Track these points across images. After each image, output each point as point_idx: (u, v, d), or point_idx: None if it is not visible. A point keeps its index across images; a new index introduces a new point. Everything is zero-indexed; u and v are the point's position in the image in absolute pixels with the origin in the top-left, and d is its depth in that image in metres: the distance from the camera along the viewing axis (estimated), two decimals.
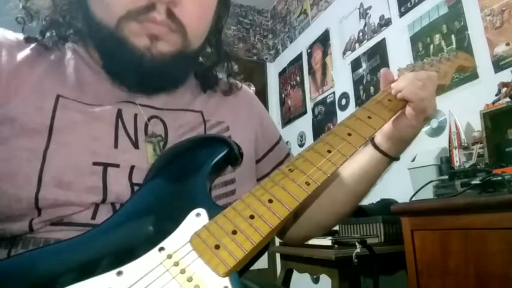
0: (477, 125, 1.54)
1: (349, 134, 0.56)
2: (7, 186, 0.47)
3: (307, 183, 0.49)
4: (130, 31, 0.53)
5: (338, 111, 2.74)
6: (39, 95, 0.53)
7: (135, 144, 0.55)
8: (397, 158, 0.66)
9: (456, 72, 0.75)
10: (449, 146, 1.61)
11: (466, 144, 1.55)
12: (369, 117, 0.59)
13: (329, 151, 0.53)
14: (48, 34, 0.58)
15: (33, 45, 0.57)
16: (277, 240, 1.94)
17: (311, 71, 3.13)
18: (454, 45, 1.84)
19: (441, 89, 0.68)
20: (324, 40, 2.97)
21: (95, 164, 0.51)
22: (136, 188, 0.52)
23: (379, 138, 0.65)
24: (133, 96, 0.59)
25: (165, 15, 0.53)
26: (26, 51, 0.56)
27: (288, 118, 3.42)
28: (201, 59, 0.71)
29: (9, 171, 0.48)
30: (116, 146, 0.53)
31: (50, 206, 0.48)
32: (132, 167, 0.53)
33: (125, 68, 0.55)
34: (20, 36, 0.58)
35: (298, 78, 3.32)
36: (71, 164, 0.50)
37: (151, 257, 0.42)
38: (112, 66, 0.57)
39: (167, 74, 0.58)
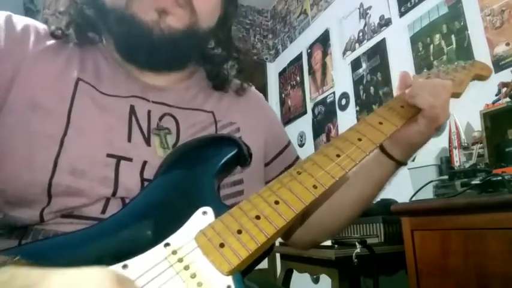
0: (477, 125, 1.54)
1: (360, 139, 0.55)
2: (24, 170, 0.48)
3: (315, 187, 0.49)
4: (138, 7, 0.54)
5: (338, 111, 2.74)
6: (61, 81, 0.54)
7: (147, 141, 0.56)
8: (404, 163, 0.65)
9: (472, 81, 0.74)
10: (449, 146, 1.62)
11: (466, 144, 1.55)
12: (380, 123, 0.58)
13: (338, 155, 0.53)
14: (69, 32, 0.59)
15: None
16: (278, 240, 1.93)
17: (311, 71, 3.13)
18: (454, 45, 1.85)
19: (456, 97, 0.67)
20: (324, 40, 2.97)
21: (109, 155, 0.52)
22: (146, 183, 0.52)
23: (387, 142, 0.64)
24: (146, 92, 0.60)
25: None
26: (52, 41, 0.58)
27: (288, 118, 3.42)
28: (210, 54, 0.71)
29: (28, 155, 0.49)
30: (129, 139, 0.54)
31: (62, 194, 0.49)
32: (145, 163, 0.54)
33: (135, 44, 0.56)
34: (48, 28, 0.59)
35: (298, 78, 3.32)
36: (86, 153, 0.51)
37: (157, 252, 0.42)
38: (123, 46, 0.58)
39: (176, 51, 0.58)
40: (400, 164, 0.65)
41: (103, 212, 0.50)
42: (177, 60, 0.62)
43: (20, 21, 0.57)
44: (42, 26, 0.59)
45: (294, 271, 1.87)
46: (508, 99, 1.38)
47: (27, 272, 0.31)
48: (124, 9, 0.54)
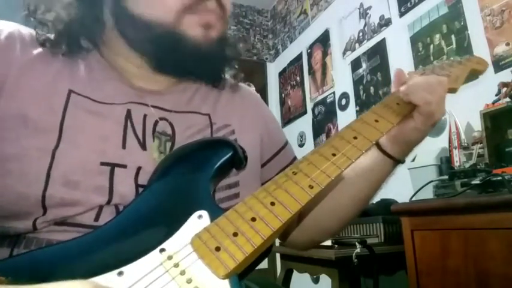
0: (477, 125, 1.54)
1: (355, 138, 0.55)
2: (16, 183, 0.48)
3: (311, 187, 0.49)
4: (188, 23, 0.56)
5: (338, 111, 2.74)
6: (52, 94, 0.53)
7: (143, 146, 0.56)
8: (402, 161, 0.65)
9: (469, 75, 0.73)
10: (449, 146, 1.61)
11: (466, 144, 1.55)
12: (376, 121, 0.58)
13: (334, 154, 0.53)
14: (63, 41, 0.57)
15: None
16: (277, 240, 1.93)
17: (311, 71, 3.12)
18: (454, 45, 1.84)
19: (453, 93, 0.67)
20: (324, 40, 2.97)
21: (102, 164, 0.51)
22: (141, 189, 0.52)
23: (384, 140, 0.63)
24: (144, 96, 0.59)
25: (215, 3, 0.57)
26: (40, 48, 0.56)
27: (288, 118, 3.42)
28: None
29: (20, 168, 0.48)
30: (124, 146, 0.54)
31: (56, 205, 0.48)
32: (139, 168, 0.53)
33: (183, 58, 0.58)
34: (34, 32, 0.57)
35: (298, 78, 3.32)
36: (79, 164, 0.50)
37: (152, 258, 0.42)
38: (166, 60, 0.59)
39: (218, 58, 0.62)
40: (397, 162, 0.64)
41: (96, 219, 0.50)
42: (220, 68, 0.66)
43: (4, 28, 0.55)
44: (27, 32, 0.57)
45: (294, 271, 1.87)
46: (508, 99, 1.38)
47: None
48: (172, 26, 0.55)
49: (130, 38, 0.58)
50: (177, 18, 0.55)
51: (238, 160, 0.55)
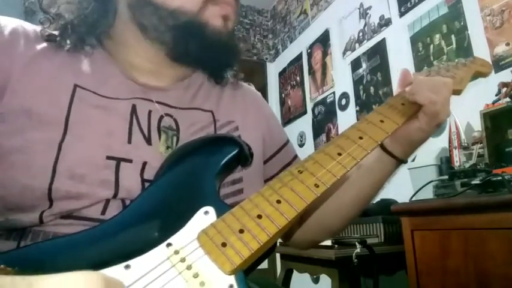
0: (477, 125, 1.54)
1: (361, 138, 0.56)
2: (22, 176, 0.48)
3: (316, 185, 0.49)
4: (210, 13, 0.58)
5: (338, 111, 2.75)
6: (56, 87, 0.53)
7: (148, 141, 0.56)
8: (404, 161, 0.65)
9: (473, 78, 0.74)
10: (449, 146, 1.62)
11: (466, 144, 1.55)
12: (381, 121, 0.58)
13: (339, 154, 0.53)
14: (67, 37, 0.58)
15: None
16: (278, 240, 1.92)
17: (311, 71, 3.13)
18: (454, 45, 1.85)
19: (457, 94, 0.67)
20: (324, 40, 2.97)
21: (108, 158, 0.52)
22: (147, 184, 0.52)
23: (387, 139, 0.63)
24: (148, 93, 0.60)
25: None
26: (44, 43, 0.56)
27: (288, 118, 3.42)
28: None
29: (25, 161, 0.48)
30: (129, 141, 0.54)
31: (62, 198, 0.48)
32: (145, 163, 0.54)
33: (205, 47, 0.60)
34: (38, 29, 0.58)
35: (298, 78, 3.32)
36: (85, 157, 0.50)
37: (159, 252, 0.42)
38: (186, 48, 0.60)
39: (234, 49, 0.65)
40: (400, 161, 0.65)
41: (103, 213, 0.50)
42: (234, 55, 0.67)
43: (8, 24, 0.55)
44: (31, 28, 0.57)
45: (294, 271, 1.87)
46: (508, 99, 1.38)
47: (12, 280, 0.30)
48: (195, 14, 0.57)
49: (150, 28, 0.59)
50: (202, 7, 0.57)
51: (244, 157, 0.56)
